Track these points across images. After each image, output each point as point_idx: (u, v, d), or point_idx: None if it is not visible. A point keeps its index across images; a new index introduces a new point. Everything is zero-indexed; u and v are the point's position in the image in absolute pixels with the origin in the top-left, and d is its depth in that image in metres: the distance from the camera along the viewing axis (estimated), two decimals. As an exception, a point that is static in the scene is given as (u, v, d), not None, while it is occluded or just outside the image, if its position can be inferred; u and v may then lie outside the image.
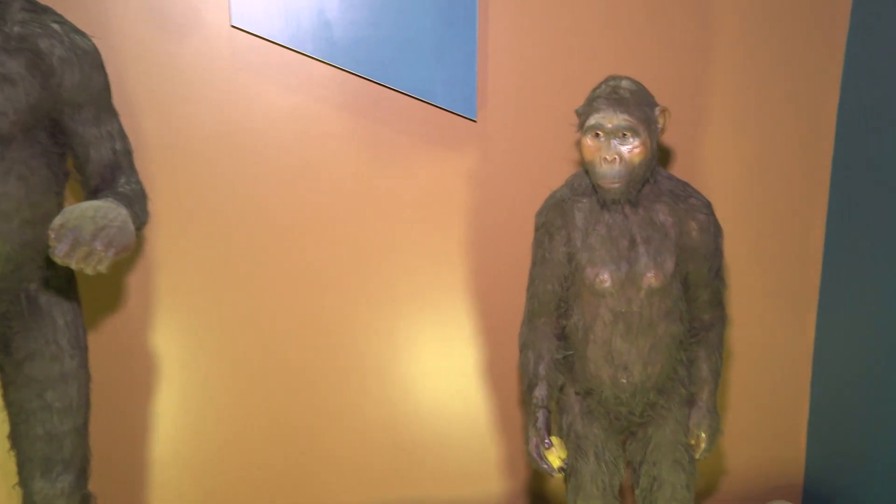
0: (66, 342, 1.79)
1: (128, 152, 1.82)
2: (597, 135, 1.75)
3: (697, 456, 1.95)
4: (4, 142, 1.62)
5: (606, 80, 1.79)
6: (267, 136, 2.33)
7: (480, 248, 2.50)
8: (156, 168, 2.27)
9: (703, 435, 1.92)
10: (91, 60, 1.72)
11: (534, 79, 2.42)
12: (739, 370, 2.71)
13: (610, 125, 1.73)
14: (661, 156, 2.30)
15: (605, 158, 1.73)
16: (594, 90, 1.79)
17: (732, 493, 2.80)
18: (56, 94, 1.68)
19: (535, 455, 1.85)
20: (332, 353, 2.49)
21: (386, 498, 2.60)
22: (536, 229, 1.93)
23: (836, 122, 2.57)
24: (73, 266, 1.45)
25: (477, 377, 2.59)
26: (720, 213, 1.92)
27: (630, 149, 1.73)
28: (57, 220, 1.45)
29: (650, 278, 1.81)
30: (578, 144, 1.80)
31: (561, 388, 1.96)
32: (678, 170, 2.52)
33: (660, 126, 1.79)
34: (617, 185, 1.75)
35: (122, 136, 1.82)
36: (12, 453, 1.84)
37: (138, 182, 1.82)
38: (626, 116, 1.72)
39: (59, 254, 1.43)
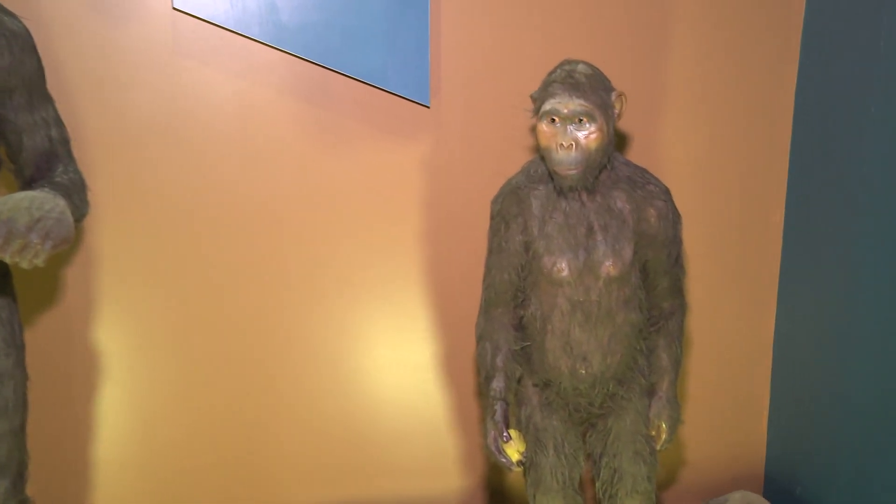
0: (0, 340, 1.72)
1: (64, 140, 1.77)
2: (552, 120, 1.73)
3: (658, 447, 1.95)
4: (-72, 129, 1.55)
5: (562, 65, 1.77)
6: (211, 123, 2.29)
7: (435, 237, 2.48)
8: (95, 156, 2.23)
9: (664, 425, 1.92)
10: (22, 43, 1.65)
11: (488, 63, 2.40)
12: (699, 359, 2.72)
13: (566, 110, 1.71)
14: (618, 141, 2.31)
15: (562, 144, 1.72)
16: (549, 74, 1.77)
17: (694, 483, 2.81)
18: None
19: (493, 449, 1.84)
20: (284, 348, 2.46)
21: (341, 495, 2.58)
22: (492, 217, 1.91)
23: (793, 107, 2.58)
24: (8, 260, 1.42)
25: (433, 370, 2.57)
26: (678, 200, 1.91)
27: (586, 134, 1.72)
28: None
29: (608, 267, 1.80)
30: (534, 130, 1.77)
31: (519, 380, 1.95)
32: (635, 155, 2.51)
33: (616, 111, 1.77)
34: (573, 172, 1.74)
35: (59, 123, 1.75)
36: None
37: (76, 171, 1.76)
38: (582, 101, 1.70)
39: None
